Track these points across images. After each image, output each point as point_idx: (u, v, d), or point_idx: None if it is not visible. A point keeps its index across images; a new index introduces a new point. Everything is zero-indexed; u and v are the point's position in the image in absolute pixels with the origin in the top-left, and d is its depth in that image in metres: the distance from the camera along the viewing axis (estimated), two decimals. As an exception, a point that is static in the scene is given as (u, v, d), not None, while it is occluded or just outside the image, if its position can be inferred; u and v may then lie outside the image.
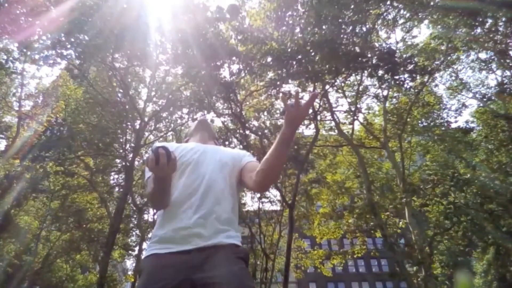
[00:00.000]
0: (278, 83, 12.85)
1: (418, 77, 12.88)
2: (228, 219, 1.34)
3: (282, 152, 1.28)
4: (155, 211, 19.95)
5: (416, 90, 14.47)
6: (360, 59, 11.65)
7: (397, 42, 15.27)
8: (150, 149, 1.23)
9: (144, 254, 1.33)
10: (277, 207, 19.04)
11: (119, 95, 15.61)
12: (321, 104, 14.98)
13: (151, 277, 1.18)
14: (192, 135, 1.79)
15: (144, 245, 18.63)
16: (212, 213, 1.29)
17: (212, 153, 1.52)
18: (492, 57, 15.80)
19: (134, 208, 17.55)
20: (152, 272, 1.20)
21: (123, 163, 15.78)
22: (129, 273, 21.94)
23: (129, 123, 15.92)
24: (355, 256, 17.45)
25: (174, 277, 1.16)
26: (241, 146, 16.20)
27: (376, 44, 14.03)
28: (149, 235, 18.96)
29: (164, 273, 1.17)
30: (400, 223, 14.74)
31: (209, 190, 1.34)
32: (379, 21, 14.10)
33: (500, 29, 13.88)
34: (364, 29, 13.20)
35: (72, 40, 11.28)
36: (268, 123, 16.04)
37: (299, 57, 11.77)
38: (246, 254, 1.31)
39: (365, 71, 12.86)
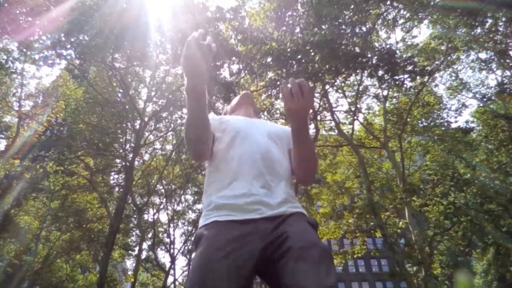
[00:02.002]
0: (278, 83, 12.85)
1: (418, 77, 12.88)
2: (292, 194, 1.25)
3: (303, 149, 1.22)
4: (154, 210, 19.90)
5: (416, 90, 14.47)
6: (360, 59, 11.64)
7: (397, 42, 15.28)
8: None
9: (200, 223, 1.18)
10: (277, 207, 19.00)
11: (119, 95, 15.62)
12: (321, 104, 14.98)
13: (213, 245, 1.03)
14: (235, 110, 1.67)
15: (144, 245, 18.66)
16: (275, 183, 1.21)
17: (262, 125, 1.44)
18: (492, 57, 15.80)
19: (134, 208, 17.55)
20: (214, 239, 1.05)
21: (123, 163, 15.78)
22: (129, 273, 21.94)
23: (129, 123, 15.92)
24: (355, 256, 17.43)
25: (240, 246, 1.02)
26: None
27: (376, 44, 14.04)
28: (149, 235, 18.98)
29: (228, 240, 1.04)
30: (400, 223, 14.74)
31: (268, 161, 1.25)
32: (379, 21, 14.11)
33: (500, 29, 13.88)
34: (364, 29, 13.20)
35: (72, 40, 11.28)
36: (268, 123, 16.01)
37: (299, 57, 11.76)
38: (316, 222, 1.20)
39: (365, 71, 12.85)
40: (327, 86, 14.25)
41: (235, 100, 1.72)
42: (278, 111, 14.95)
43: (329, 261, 1.00)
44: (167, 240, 20.19)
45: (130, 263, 25.48)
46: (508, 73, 15.84)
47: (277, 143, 1.35)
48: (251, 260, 1.01)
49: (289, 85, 1.12)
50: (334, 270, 0.99)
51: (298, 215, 1.15)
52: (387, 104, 15.87)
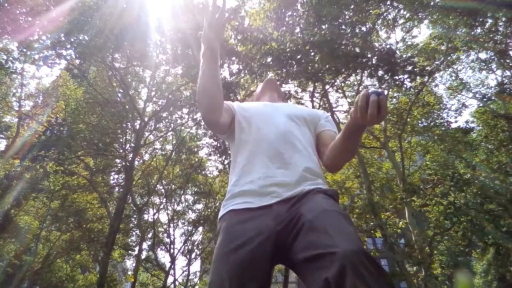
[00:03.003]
0: (278, 83, 12.83)
1: (418, 78, 12.88)
2: (312, 170, 1.19)
3: (349, 145, 1.17)
4: (154, 210, 19.89)
5: (416, 90, 14.47)
6: (360, 59, 11.64)
7: (397, 42, 15.27)
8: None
9: (220, 214, 1.18)
10: (277, 207, 19.02)
11: (119, 95, 15.62)
12: (321, 104, 14.98)
13: (229, 235, 1.03)
14: (260, 97, 1.67)
15: (144, 245, 18.66)
16: (293, 160, 1.17)
17: (284, 107, 1.42)
18: (492, 57, 15.79)
19: (134, 208, 17.55)
20: (230, 229, 1.05)
21: (123, 163, 15.78)
22: (129, 273, 21.94)
23: (129, 123, 15.92)
24: (355, 256, 17.41)
25: (255, 235, 1.00)
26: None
27: (376, 44, 14.03)
28: (149, 235, 18.98)
29: (244, 229, 1.03)
30: (400, 223, 14.73)
31: (287, 140, 1.22)
32: (379, 21, 14.10)
33: (500, 29, 13.87)
34: (364, 29, 13.20)
35: (72, 40, 11.28)
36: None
37: (299, 57, 11.76)
38: (335, 192, 1.16)
39: (365, 71, 12.85)
40: (327, 86, 14.25)
41: (259, 88, 1.73)
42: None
43: (343, 220, 0.96)
44: (167, 240, 20.18)
45: (130, 263, 25.49)
46: (508, 73, 15.84)
47: (298, 124, 1.33)
48: (267, 248, 0.99)
49: (370, 96, 0.97)
50: (350, 228, 0.92)
51: (314, 192, 1.11)
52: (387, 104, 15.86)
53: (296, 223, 1.00)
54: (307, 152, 1.24)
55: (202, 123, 17.20)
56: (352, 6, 11.86)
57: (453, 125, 16.00)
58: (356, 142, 1.18)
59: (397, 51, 13.87)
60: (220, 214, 1.18)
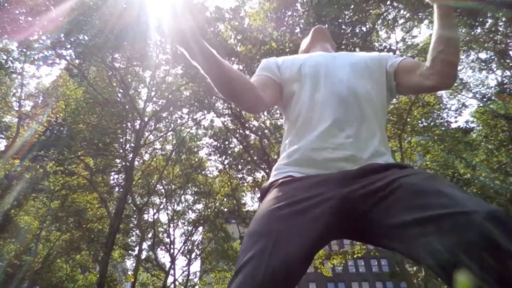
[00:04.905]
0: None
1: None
2: (383, 139, 1.04)
3: (450, 37, 0.99)
4: (154, 210, 19.87)
5: (416, 90, 14.47)
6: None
7: (397, 42, 15.26)
8: None
9: (270, 178, 1.03)
10: (277, 207, 19.02)
11: (119, 95, 15.63)
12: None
13: (286, 195, 0.89)
14: (309, 49, 1.45)
15: (144, 245, 18.66)
16: (364, 131, 1.00)
17: (343, 57, 1.19)
18: (492, 57, 15.80)
19: (134, 208, 17.55)
20: (287, 191, 0.91)
21: (123, 163, 15.78)
22: (129, 273, 21.94)
23: (129, 123, 15.93)
24: (355, 256, 17.43)
25: (320, 194, 0.86)
26: (240, 146, 16.21)
27: (376, 44, 14.03)
28: (149, 235, 18.98)
29: (305, 191, 0.88)
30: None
31: (354, 100, 1.03)
32: (379, 21, 14.10)
33: (500, 29, 13.88)
34: (364, 29, 13.20)
35: (72, 40, 11.29)
36: (268, 123, 16.04)
37: (299, 57, 11.75)
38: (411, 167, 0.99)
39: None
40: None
41: (306, 40, 1.50)
42: (278, 111, 14.94)
43: (455, 186, 0.81)
44: (167, 240, 20.19)
45: (130, 263, 25.51)
46: (508, 73, 15.85)
47: (366, 76, 1.11)
48: (327, 211, 0.84)
49: None
50: (468, 195, 0.77)
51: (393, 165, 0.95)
52: (387, 104, 15.87)
53: (379, 188, 0.84)
54: (379, 118, 1.07)
55: (202, 122, 17.20)
56: (352, 6, 11.86)
57: (453, 125, 16.03)
58: (452, 26, 0.99)
59: (397, 51, 13.87)
60: (271, 178, 1.03)
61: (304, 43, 1.50)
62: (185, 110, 15.77)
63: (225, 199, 19.78)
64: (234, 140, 16.27)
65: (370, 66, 1.14)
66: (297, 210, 0.83)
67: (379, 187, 0.84)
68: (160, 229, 20.58)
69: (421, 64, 1.07)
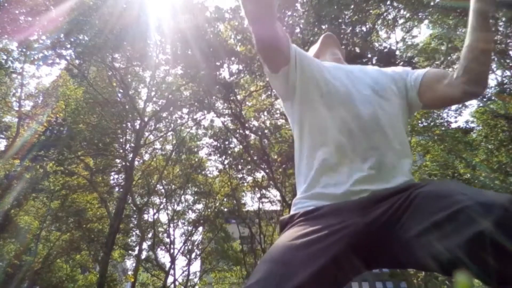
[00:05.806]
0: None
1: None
2: (406, 164, 0.97)
3: (486, 39, 0.93)
4: (154, 210, 19.85)
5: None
6: (360, 59, 11.65)
7: (397, 42, 15.27)
8: None
9: (291, 212, 0.99)
10: (277, 207, 19.06)
11: (119, 95, 15.63)
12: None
13: (304, 227, 0.86)
14: (319, 56, 1.36)
15: (144, 245, 18.66)
16: (389, 159, 0.93)
17: (362, 74, 1.10)
18: (492, 57, 15.80)
19: (134, 208, 17.55)
20: (306, 223, 0.88)
21: (123, 163, 15.79)
22: (129, 273, 21.94)
23: (129, 123, 15.93)
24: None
25: (340, 222, 0.83)
26: (240, 146, 16.21)
27: (376, 44, 14.04)
28: (149, 235, 18.99)
29: (327, 220, 0.85)
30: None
31: (377, 127, 0.96)
32: (379, 21, 14.10)
33: (500, 29, 13.88)
34: (364, 29, 13.21)
35: (72, 40, 11.30)
36: (268, 123, 16.04)
37: (299, 57, 11.74)
38: None
39: (365, 71, 12.84)
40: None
41: (315, 47, 1.43)
42: (278, 111, 14.95)
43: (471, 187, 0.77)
44: (167, 240, 20.19)
45: (130, 263, 25.49)
46: (508, 73, 15.84)
47: (388, 98, 1.03)
48: (342, 243, 0.79)
49: None
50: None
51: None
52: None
53: (401, 205, 0.81)
54: (402, 143, 0.99)
55: (202, 122, 17.18)
56: (352, 6, 11.86)
57: (453, 125, 16.04)
58: (488, 27, 0.94)
59: (397, 51, 13.87)
60: (291, 213, 0.99)
61: (312, 51, 1.44)
62: (185, 110, 15.79)
63: (225, 199, 19.79)
64: (234, 140, 16.29)
65: (392, 87, 1.07)
66: (313, 239, 0.80)
67: (400, 204, 0.81)
68: (160, 229, 20.59)
69: (447, 73, 1.02)
